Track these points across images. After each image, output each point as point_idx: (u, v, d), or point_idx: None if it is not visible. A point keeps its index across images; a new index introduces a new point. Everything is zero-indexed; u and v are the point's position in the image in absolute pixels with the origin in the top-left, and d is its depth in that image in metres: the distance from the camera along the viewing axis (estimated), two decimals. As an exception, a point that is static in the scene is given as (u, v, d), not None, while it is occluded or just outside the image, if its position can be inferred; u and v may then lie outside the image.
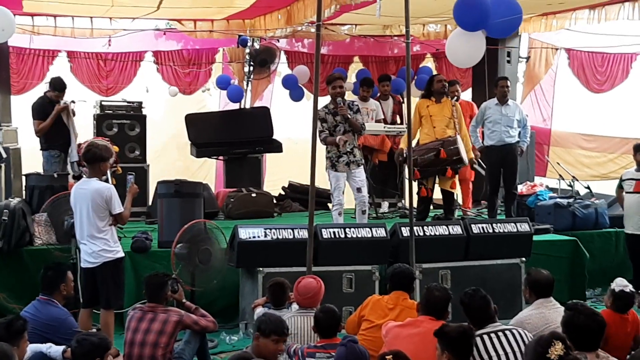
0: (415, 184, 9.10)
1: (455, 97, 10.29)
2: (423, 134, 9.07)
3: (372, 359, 5.11)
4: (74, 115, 9.13)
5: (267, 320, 4.83)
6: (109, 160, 6.37)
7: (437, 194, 9.45)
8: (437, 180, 9.07)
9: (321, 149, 8.12)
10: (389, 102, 11.14)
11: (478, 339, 4.52)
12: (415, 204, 9.27)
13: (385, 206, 10.68)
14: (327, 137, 8.29)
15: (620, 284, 5.55)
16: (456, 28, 8.40)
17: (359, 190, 8.44)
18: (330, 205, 11.56)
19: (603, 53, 13.18)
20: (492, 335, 4.58)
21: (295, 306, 5.81)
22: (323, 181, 8.61)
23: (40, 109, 9.13)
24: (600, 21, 11.02)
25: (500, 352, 4.50)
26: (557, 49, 13.18)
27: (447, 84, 9.29)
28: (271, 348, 4.69)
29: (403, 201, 11.01)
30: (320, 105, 7.48)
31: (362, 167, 8.57)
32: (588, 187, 10.07)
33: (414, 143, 9.12)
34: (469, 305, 4.83)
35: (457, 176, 9.16)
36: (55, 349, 5.14)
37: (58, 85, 9.13)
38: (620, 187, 8.86)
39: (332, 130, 8.37)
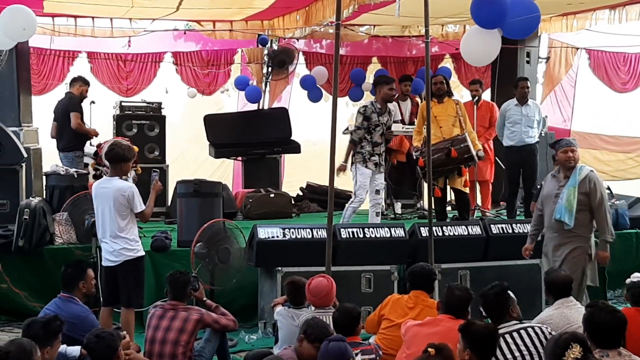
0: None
1: (476, 97, 10.29)
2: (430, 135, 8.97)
3: (391, 358, 5.14)
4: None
5: (314, 325, 4.74)
6: (131, 161, 6.39)
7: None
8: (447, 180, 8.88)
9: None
10: (407, 103, 11.10)
11: (500, 338, 4.48)
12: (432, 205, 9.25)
13: (398, 207, 10.62)
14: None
15: (636, 275, 5.42)
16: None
17: (377, 192, 8.42)
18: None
19: (625, 53, 13.09)
20: (514, 333, 4.56)
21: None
22: (341, 182, 8.58)
23: (79, 102, 9.25)
24: (621, 21, 10.95)
25: (524, 349, 4.47)
26: (577, 49, 13.10)
27: (444, 86, 8.93)
28: (313, 354, 4.60)
29: (422, 202, 10.98)
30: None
31: (383, 172, 8.62)
32: (608, 188, 9.97)
33: (419, 144, 8.93)
34: (487, 296, 4.78)
35: (467, 175, 8.92)
36: (71, 349, 4.99)
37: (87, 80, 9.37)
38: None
39: (373, 129, 8.39)
